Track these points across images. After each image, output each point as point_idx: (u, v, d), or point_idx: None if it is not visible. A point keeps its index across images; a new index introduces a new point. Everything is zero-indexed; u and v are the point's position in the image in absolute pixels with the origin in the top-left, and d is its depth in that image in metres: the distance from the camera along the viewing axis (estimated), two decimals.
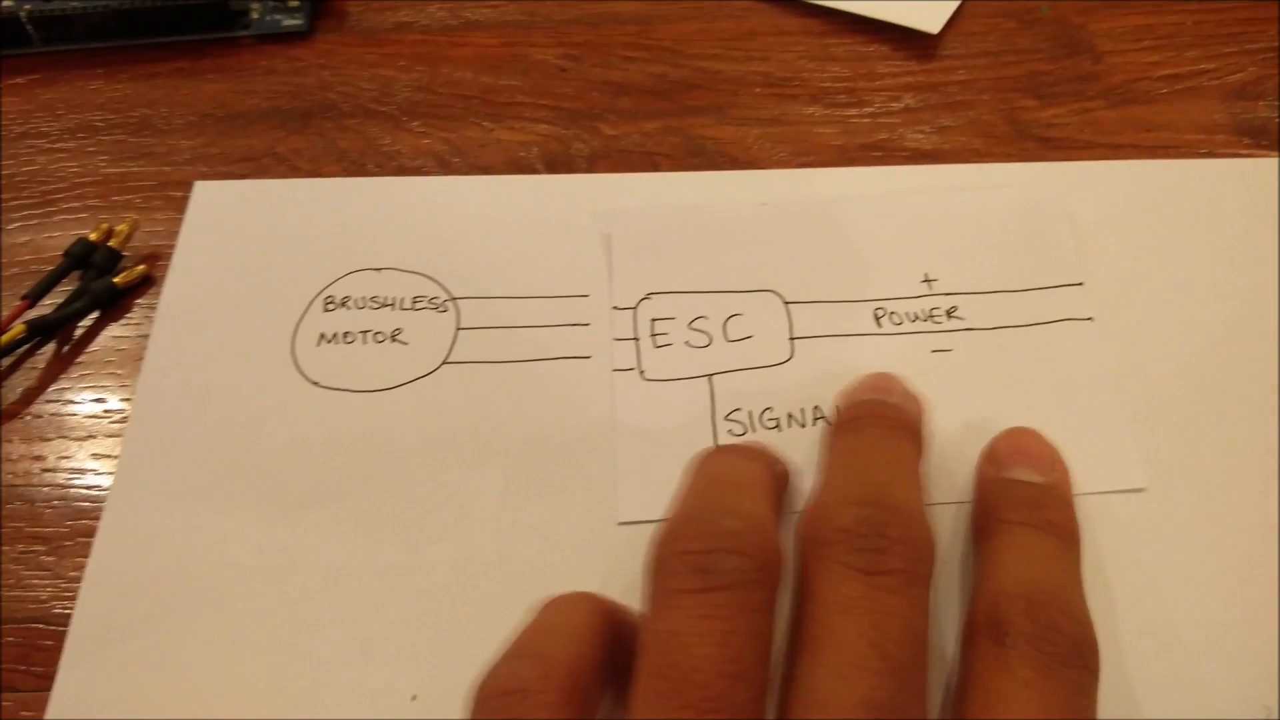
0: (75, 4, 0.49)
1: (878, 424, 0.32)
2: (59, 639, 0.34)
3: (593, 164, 0.45)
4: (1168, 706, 0.32)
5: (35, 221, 0.44)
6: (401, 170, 0.45)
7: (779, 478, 0.33)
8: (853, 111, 0.47)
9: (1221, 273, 0.41)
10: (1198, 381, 0.38)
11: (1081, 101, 0.47)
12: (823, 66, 0.49)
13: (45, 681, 0.33)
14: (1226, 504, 0.35)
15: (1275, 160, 0.44)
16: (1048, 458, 0.33)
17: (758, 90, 0.48)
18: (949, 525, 0.35)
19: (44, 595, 0.35)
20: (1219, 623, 0.33)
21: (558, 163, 0.45)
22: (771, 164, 0.45)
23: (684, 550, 0.27)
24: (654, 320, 0.40)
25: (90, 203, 0.45)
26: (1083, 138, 0.46)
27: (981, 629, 0.28)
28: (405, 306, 0.40)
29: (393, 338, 0.40)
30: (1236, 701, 0.32)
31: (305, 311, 0.40)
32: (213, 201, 0.44)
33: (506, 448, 0.37)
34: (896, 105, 0.47)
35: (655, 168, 0.45)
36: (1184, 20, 0.50)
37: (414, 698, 0.32)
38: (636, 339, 0.39)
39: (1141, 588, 0.34)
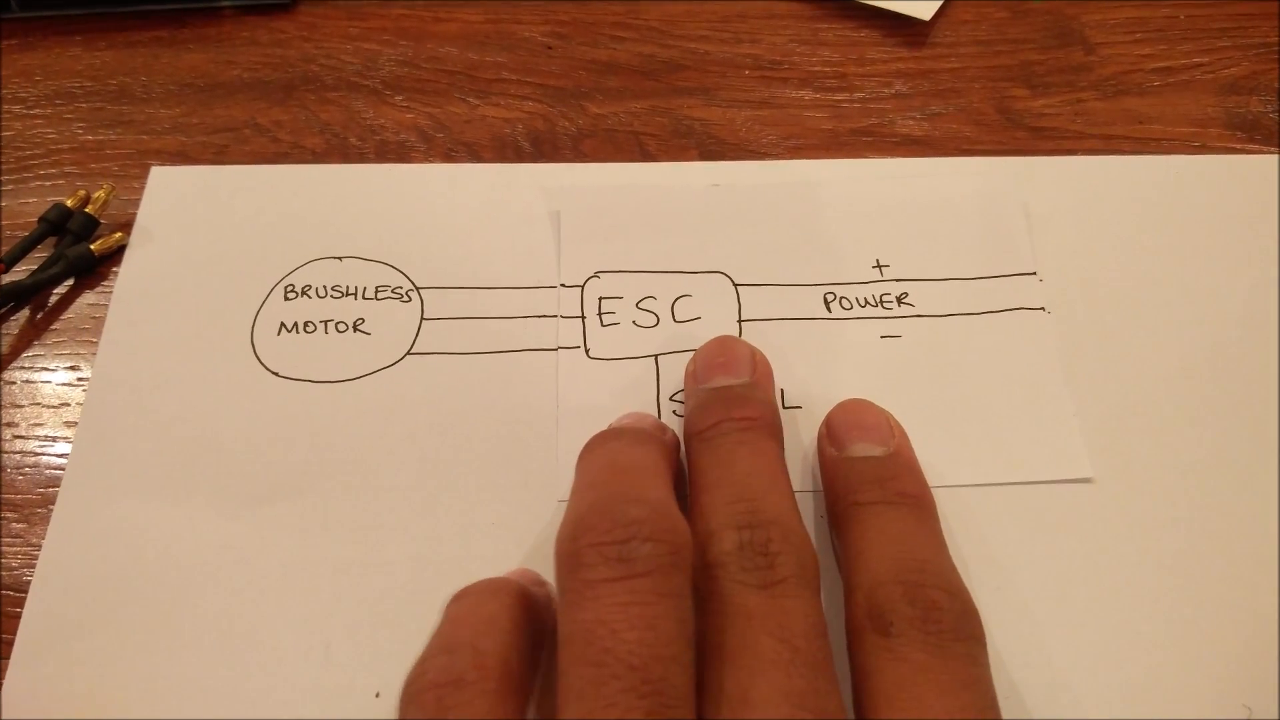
0: None
1: (733, 431, 0.32)
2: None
3: (578, 143, 0.45)
4: (1130, 705, 0.31)
5: (11, 187, 0.44)
6: (384, 144, 0.45)
7: (670, 451, 0.33)
8: (843, 96, 0.47)
9: (1177, 269, 0.40)
10: (1149, 375, 0.38)
11: (1073, 92, 0.47)
12: (813, 50, 0.48)
13: (5, 648, 0.32)
14: (1177, 496, 0.35)
15: (1237, 158, 0.44)
16: (884, 427, 0.33)
17: (747, 72, 0.48)
18: None
19: (14, 563, 0.34)
20: (1182, 618, 0.33)
21: (543, 140, 0.45)
22: (760, 147, 0.45)
23: (596, 542, 0.26)
24: (601, 299, 0.39)
25: (67, 170, 0.44)
26: (1074, 128, 0.45)
27: (865, 623, 0.28)
28: (368, 296, 0.40)
29: (355, 328, 0.39)
30: (1207, 699, 0.32)
31: (265, 300, 0.40)
32: (170, 187, 0.43)
33: (470, 440, 0.36)
34: (887, 91, 0.47)
35: (642, 148, 0.44)
36: (1177, 14, 0.50)
37: (378, 695, 0.32)
38: (583, 317, 0.39)
39: (1092, 579, 0.34)
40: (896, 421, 0.34)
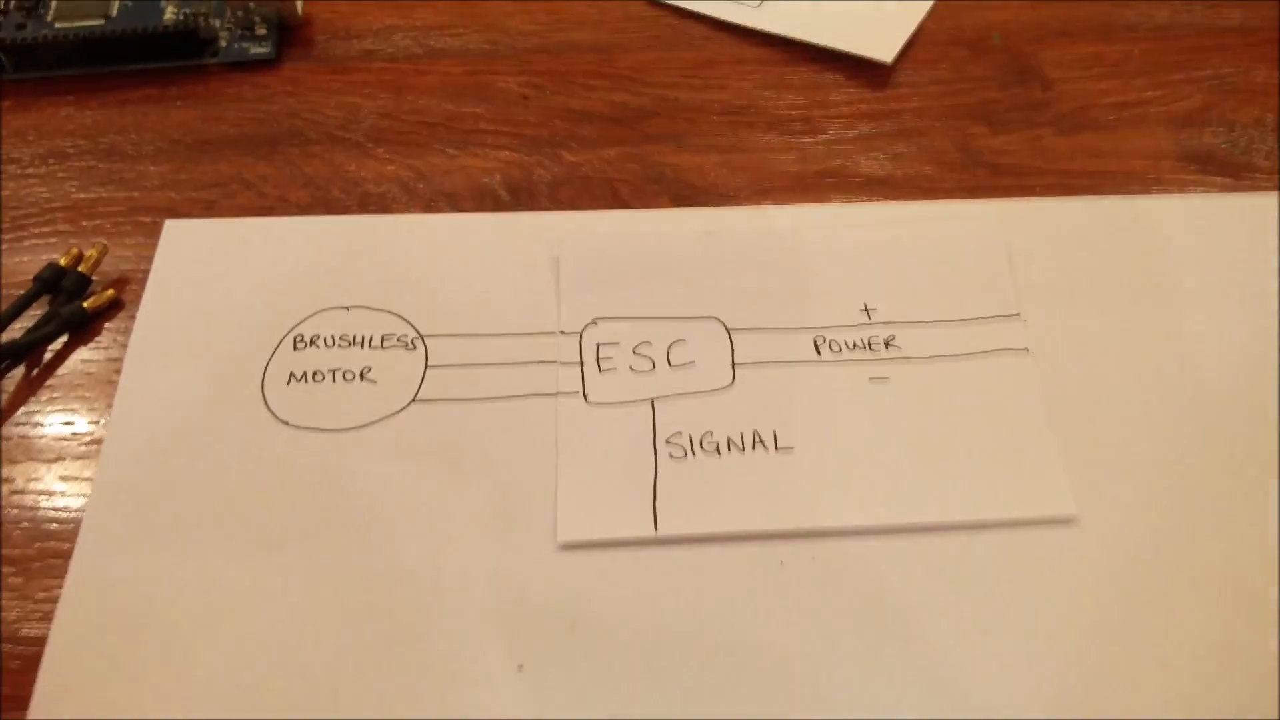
0: (46, 32, 0.50)
1: None
2: (25, 660, 0.34)
3: (554, 190, 0.46)
4: None
5: (5, 246, 0.45)
6: (366, 196, 0.46)
7: None
8: (808, 139, 0.48)
9: (1158, 310, 0.42)
10: (1130, 415, 0.39)
11: (1032, 129, 0.48)
12: (779, 95, 0.50)
13: (14, 702, 0.34)
14: (1159, 536, 0.36)
15: (1215, 197, 0.46)
16: None
17: (715, 118, 0.49)
18: (891, 552, 0.36)
19: (11, 616, 0.36)
20: (1165, 657, 0.34)
21: (520, 189, 0.46)
22: (729, 190, 0.46)
23: None
24: (599, 345, 0.41)
25: (60, 228, 0.46)
26: (1033, 165, 0.47)
27: None
28: (374, 345, 0.41)
29: (362, 376, 0.40)
30: None
31: (275, 350, 0.41)
32: (183, 239, 0.44)
33: (473, 485, 0.37)
34: (851, 133, 0.48)
35: (615, 194, 0.46)
36: (1131, 49, 0.52)
37: None
38: (581, 363, 0.40)
39: (1075, 618, 0.35)
40: None
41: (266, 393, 0.40)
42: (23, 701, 0.33)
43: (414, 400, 0.40)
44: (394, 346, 0.41)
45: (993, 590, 0.35)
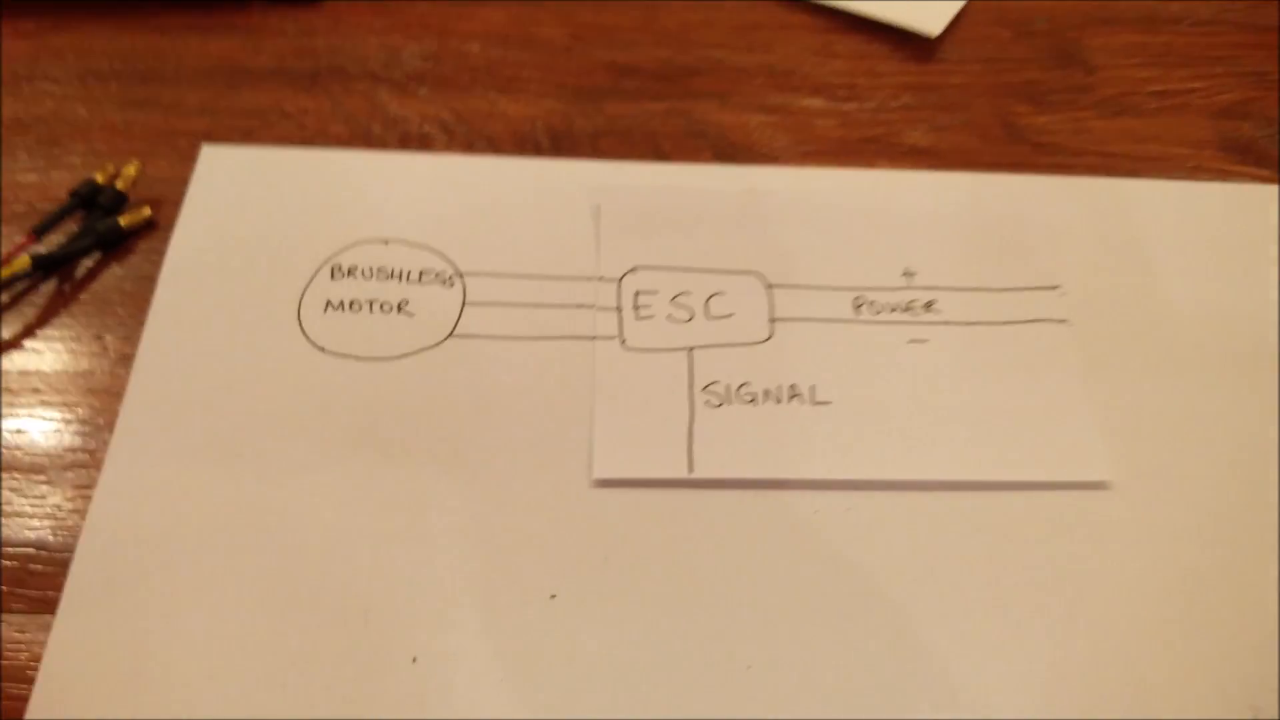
0: None
1: None
2: (52, 564, 0.34)
3: (596, 140, 0.46)
4: (1141, 706, 0.32)
5: (42, 162, 0.45)
6: (407, 135, 0.46)
7: None
8: (853, 106, 0.48)
9: (1195, 289, 0.42)
10: (1165, 386, 0.39)
11: (1074, 111, 0.48)
12: (825, 62, 0.50)
13: (39, 605, 0.33)
14: (1192, 502, 0.37)
15: (1257, 187, 0.46)
16: None
17: (760, 80, 0.49)
18: (925, 507, 0.36)
19: (39, 524, 0.35)
20: (1194, 620, 0.34)
21: (561, 137, 0.46)
22: (772, 150, 0.46)
23: None
24: (638, 293, 0.41)
25: (96, 146, 0.45)
26: (1074, 145, 0.47)
27: None
28: (412, 279, 0.41)
29: (399, 308, 0.40)
30: (1217, 700, 0.33)
31: (312, 278, 0.41)
32: (220, 165, 0.44)
33: (508, 420, 0.37)
34: (895, 103, 0.48)
35: (657, 148, 0.46)
36: (1174, 40, 0.52)
37: (414, 659, 0.33)
38: (620, 309, 0.40)
39: (1107, 581, 0.35)
40: None
41: (303, 318, 0.39)
42: (52, 605, 0.33)
43: (451, 335, 0.39)
44: (432, 282, 0.41)
45: (1024, 549, 0.35)
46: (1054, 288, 0.41)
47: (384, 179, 0.44)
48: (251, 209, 0.43)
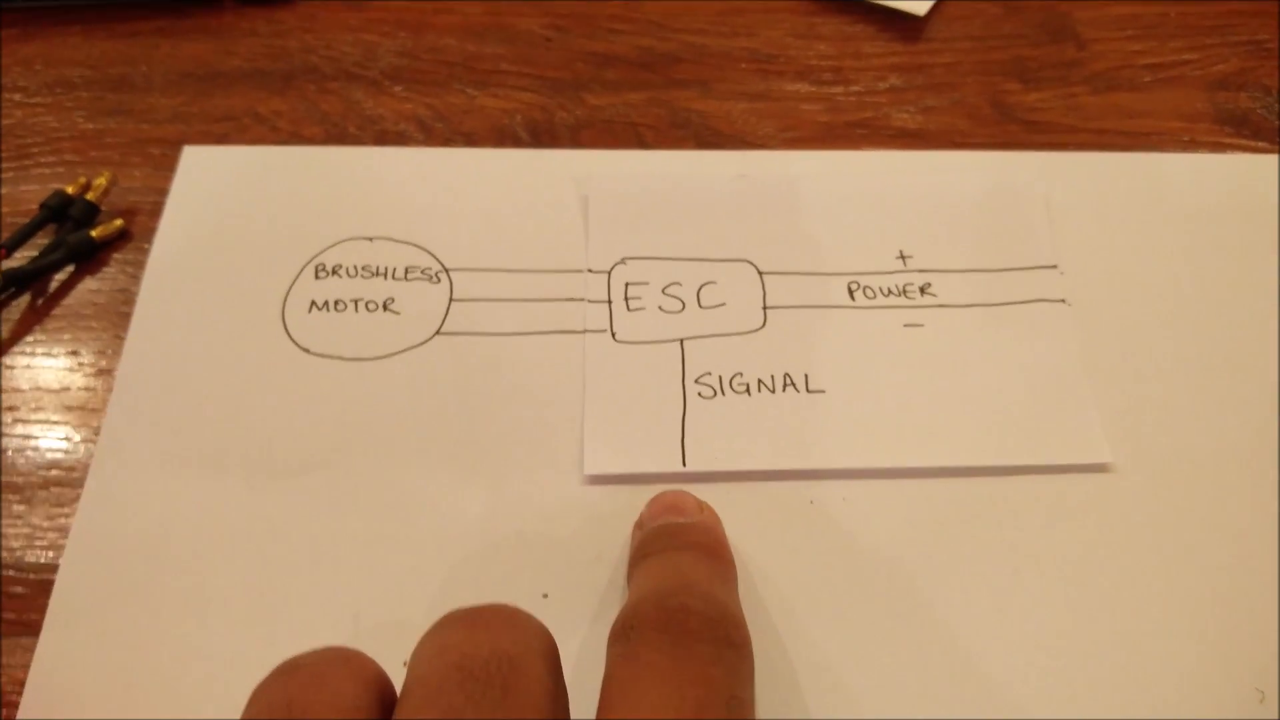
0: None
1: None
2: (30, 586, 0.33)
3: (576, 133, 0.45)
4: (1145, 690, 0.32)
5: (11, 174, 0.44)
6: (383, 134, 0.45)
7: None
8: (839, 89, 0.47)
9: (1197, 265, 0.41)
10: (1167, 367, 0.38)
11: (1065, 87, 0.47)
12: (809, 45, 0.49)
13: (17, 627, 0.33)
14: (1193, 484, 0.36)
15: (1256, 158, 0.45)
16: (693, 505, 0.33)
17: (744, 66, 0.48)
18: (923, 494, 0.35)
19: (15, 544, 0.35)
20: (1197, 603, 0.33)
21: (541, 131, 0.45)
22: (757, 138, 0.45)
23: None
24: (628, 284, 0.40)
25: (67, 157, 0.44)
26: (1066, 122, 0.46)
27: (613, 636, 0.26)
28: (397, 276, 0.40)
29: (385, 307, 0.39)
30: (1222, 684, 0.32)
31: (296, 278, 0.40)
32: (201, 166, 0.43)
33: (497, 419, 0.37)
34: (882, 85, 0.47)
35: (640, 138, 0.45)
36: (1167, 11, 0.51)
37: (405, 663, 0.32)
38: (609, 302, 0.39)
39: (1109, 565, 0.34)
40: (709, 506, 0.33)
41: (287, 320, 0.39)
42: (31, 627, 0.32)
43: (438, 333, 0.39)
44: (418, 279, 0.40)
45: (1025, 535, 0.35)
46: (1052, 267, 0.40)
47: (369, 175, 0.43)
48: (234, 209, 0.42)
